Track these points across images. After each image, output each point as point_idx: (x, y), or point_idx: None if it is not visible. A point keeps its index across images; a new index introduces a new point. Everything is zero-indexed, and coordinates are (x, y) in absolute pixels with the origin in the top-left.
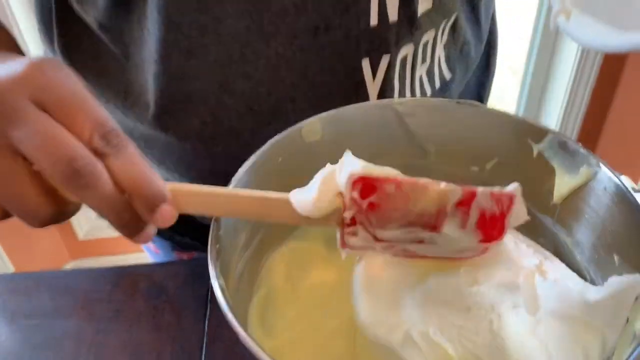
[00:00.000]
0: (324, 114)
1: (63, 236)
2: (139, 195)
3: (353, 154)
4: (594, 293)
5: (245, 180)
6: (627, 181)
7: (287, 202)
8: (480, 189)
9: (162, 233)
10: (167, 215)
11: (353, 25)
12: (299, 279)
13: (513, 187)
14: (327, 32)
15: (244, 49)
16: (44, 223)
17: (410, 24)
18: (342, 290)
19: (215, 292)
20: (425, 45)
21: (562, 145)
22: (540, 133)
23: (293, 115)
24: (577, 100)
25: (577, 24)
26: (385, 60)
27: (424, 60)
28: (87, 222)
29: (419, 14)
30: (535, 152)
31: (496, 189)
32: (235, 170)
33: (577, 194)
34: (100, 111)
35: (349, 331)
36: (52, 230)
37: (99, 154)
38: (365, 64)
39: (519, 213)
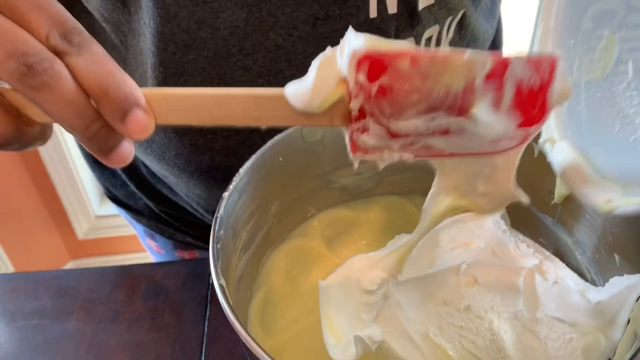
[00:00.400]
0: None
1: (63, 236)
2: (106, 98)
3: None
4: (594, 293)
5: (245, 180)
6: None
7: (282, 98)
8: (513, 56)
9: (163, 232)
10: (141, 123)
11: (352, 16)
12: (299, 279)
13: (554, 53)
14: (326, 22)
15: (243, 41)
16: (3, 145)
17: (410, 17)
18: None
19: (216, 291)
20: (429, 40)
21: None
22: (541, 132)
23: None
24: None
25: (558, 150)
26: None
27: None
28: (86, 222)
29: (419, 8)
30: (536, 152)
31: (534, 55)
32: (235, 165)
33: None
34: (60, 9)
35: None
36: (52, 230)
37: (58, 53)
38: None
39: (564, 85)
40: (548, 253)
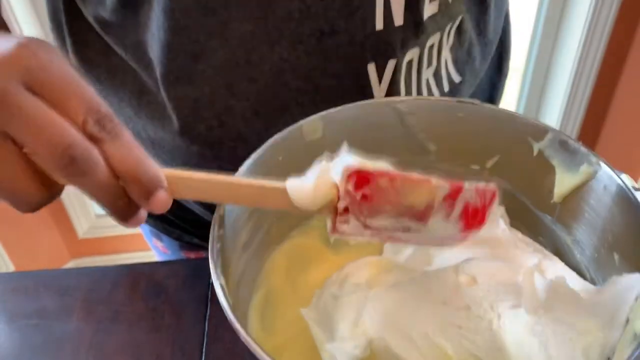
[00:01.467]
0: (324, 113)
1: (63, 235)
2: (134, 181)
3: (354, 152)
4: (594, 293)
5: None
6: (627, 180)
7: (284, 192)
8: (466, 185)
9: (170, 233)
10: (162, 201)
11: (358, 29)
12: (299, 278)
13: (493, 185)
14: (332, 36)
15: (250, 53)
16: (34, 208)
17: (416, 28)
18: None
19: (216, 291)
20: (431, 48)
21: (563, 144)
22: (541, 132)
23: (300, 118)
24: (577, 100)
25: None
26: (391, 65)
27: (429, 63)
28: (87, 221)
29: (425, 18)
30: (535, 151)
31: (481, 185)
32: None
33: (578, 192)
34: (93, 95)
35: None
36: (52, 229)
37: (93, 139)
38: (371, 68)
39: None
40: (547, 252)
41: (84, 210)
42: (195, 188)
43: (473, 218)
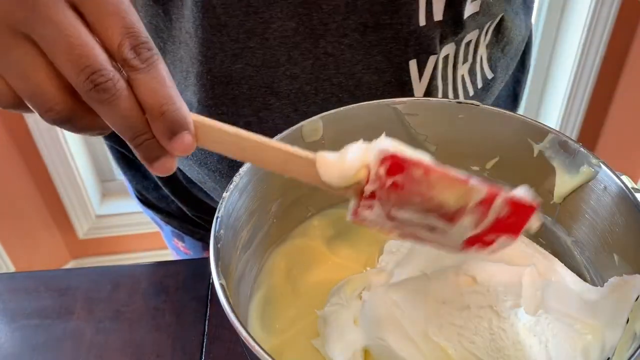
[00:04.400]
0: (325, 114)
1: (63, 235)
2: (160, 117)
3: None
4: (594, 294)
5: (246, 180)
6: (627, 181)
7: (312, 162)
8: (503, 193)
9: (194, 234)
10: (186, 144)
11: (402, 24)
12: (299, 278)
13: (534, 198)
14: (376, 30)
15: (291, 50)
16: (59, 120)
17: (455, 24)
18: None
19: (217, 291)
20: (468, 44)
21: (563, 145)
22: (541, 133)
23: None
24: (577, 100)
25: None
26: (432, 61)
27: (465, 59)
28: (87, 221)
29: (465, 17)
30: (535, 152)
31: (520, 196)
32: None
33: (578, 193)
34: (135, 19)
35: None
36: (52, 229)
37: (126, 65)
38: (413, 64)
39: (536, 224)
40: (547, 253)
41: (84, 211)
42: (222, 141)
43: (505, 230)
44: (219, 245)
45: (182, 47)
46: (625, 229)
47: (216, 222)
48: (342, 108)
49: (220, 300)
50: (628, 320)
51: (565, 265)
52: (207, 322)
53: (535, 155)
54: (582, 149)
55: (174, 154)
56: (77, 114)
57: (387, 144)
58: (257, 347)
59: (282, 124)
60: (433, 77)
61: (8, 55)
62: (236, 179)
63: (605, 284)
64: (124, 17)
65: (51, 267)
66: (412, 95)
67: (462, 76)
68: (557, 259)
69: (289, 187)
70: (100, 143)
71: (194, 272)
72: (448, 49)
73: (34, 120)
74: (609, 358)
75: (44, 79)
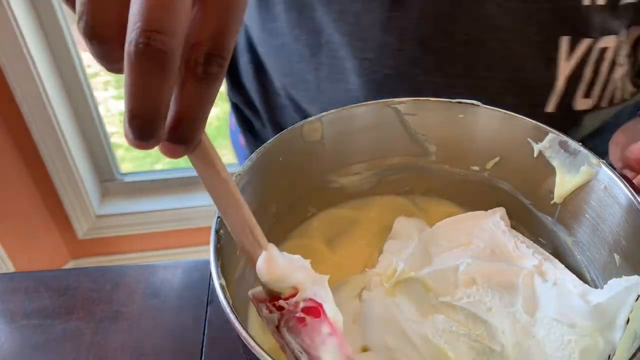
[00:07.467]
0: (324, 114)
1: (63, 235)
2: (179, 126)
3: (354, 153)
4: (594, 296)
5: (245, 180)
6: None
7: (260, 250)
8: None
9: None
10: (177, 154)
11: None
12: None
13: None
14: (537, 1)
15: (455, 7)
16: (89, 35)
17: (613, 9)
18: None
19: (216, 291)
20: (622, 44)
21: (563, 145)
22: (541, 133)
23: (482, 81)
24: None
25: None
26: (584, 44)
27: (622, 62)
28: (87, 221)
29: (622, 2)
30: (536, 152)
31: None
32: None
33: (578, 193)
34: (234, 20)
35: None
36: (52, 229)
37: (189, 64)
38: (565, 40)
39: None
40: (547, 254)
41: (84, 211)
42: (208, 175)
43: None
44: (219, 245)
45: None
46: (625, 229)
47: (216, 221)
48: (341, 108)
49: (220, 301)
50: (628, 321)
51: (565, 265)
52: (206, 322)
53: (535, 155)
54: (582, 148)
55: (162, 149)
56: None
57: (322, 292)
58: (257, 348)
59: (423, 80)
60: (583, 63)
61: None
62: (236, 179)
63: (605, 286)
64: (225, 14)
65: (51, 267)
66: (555, 74)
67: (616, 80)
68: (557, 260)
69: (289, 188)
70: (100, 143)
71: (194, 272)
72: (608, 41)
73: (34, 121)
74: (609, 356)
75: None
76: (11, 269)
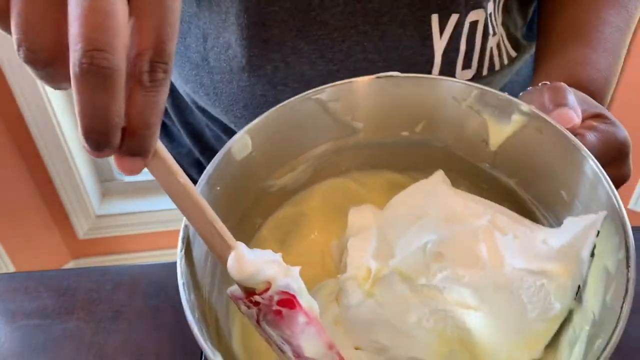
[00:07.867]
0: (249, 126)
1: (63, 235)
2: (134, 137)
3: (284, 153)
4: (555, 238)
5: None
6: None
7: (229, 250)
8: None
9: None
10: (134, 169)
11: None
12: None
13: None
14: None
15: None
16: (28, 61)
17: None
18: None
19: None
20: (491, 16)
21: (491, 98)
22: (465, 91)
23: (362, 63)
24: None
25: None
26: (453, 19)
27: (494, 32)
28: (87, 221)
29: None
30: (463, 108)
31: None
32: None
33: (512, 139)
34: (172, 25)
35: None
36: (52, 229)
37: (133, 74)
38: (434, 18)
39: None
40: (497, 205)
41: (84, 211)
42: (168, 182)
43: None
44: (184, 282)
45: None
46: (564, 165)
47: (183, 228)
48: (263, 115)
49: (200, 344)
50: (593, 255)
51: (513, 206)
52: None
53: (463, 109)
54: (511, 98)
55: (119, 165)
56: (57, 65)
57: (294, 284)
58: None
59: (309, 70)
60: (455, 37)
61: None
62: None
63: (563, 226)
64: (164, 22)
65: (51, 267)
66: (431, 51)
67: (491, 49)
68: (507, 209)
69: (231, 210)
70: None
71: None
72: (476, 14)
73: (34, 121)
74: (579, 286)
75: (42, 15)
76: (11, 268)
